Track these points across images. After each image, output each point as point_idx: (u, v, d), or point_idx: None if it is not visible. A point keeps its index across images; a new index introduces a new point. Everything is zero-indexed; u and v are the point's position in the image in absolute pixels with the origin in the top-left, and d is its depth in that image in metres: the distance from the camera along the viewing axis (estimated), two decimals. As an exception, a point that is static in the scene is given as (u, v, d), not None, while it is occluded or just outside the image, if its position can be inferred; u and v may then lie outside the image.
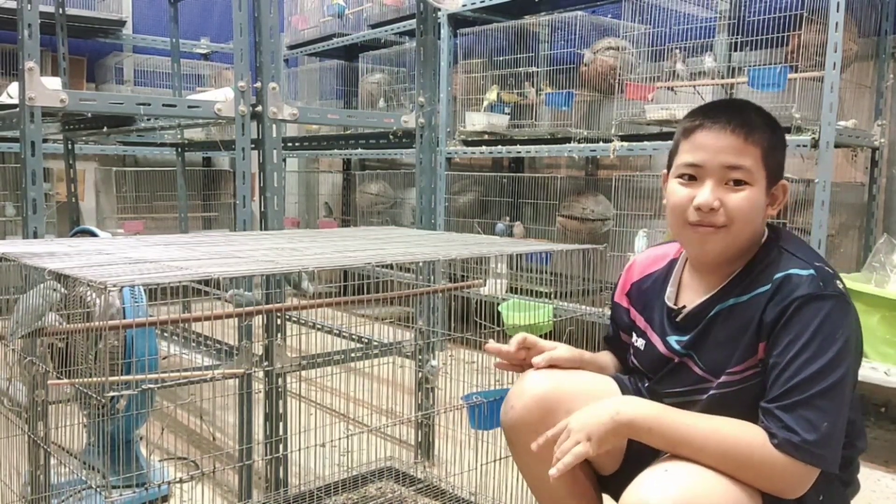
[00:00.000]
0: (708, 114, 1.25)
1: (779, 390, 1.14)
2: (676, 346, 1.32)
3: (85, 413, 1.93)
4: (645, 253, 1.49)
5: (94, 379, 1.63)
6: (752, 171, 1.21)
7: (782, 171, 1.27)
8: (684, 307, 1.32)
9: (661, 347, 1.36)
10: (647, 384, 1.41)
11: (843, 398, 1.14)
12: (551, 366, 1.41)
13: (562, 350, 1.43)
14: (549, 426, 1.27)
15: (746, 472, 1.13)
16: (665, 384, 1.36)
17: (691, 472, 1.13)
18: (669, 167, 1.31)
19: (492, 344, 1.46)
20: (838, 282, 1.19)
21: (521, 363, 1.45)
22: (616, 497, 1.47)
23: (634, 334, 1.44)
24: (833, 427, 1.12)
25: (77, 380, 1.69)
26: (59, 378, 1.71)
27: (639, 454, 1.37)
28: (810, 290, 1.16)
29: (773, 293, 1.18)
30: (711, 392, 1.27)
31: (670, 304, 1.35)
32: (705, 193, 1.21)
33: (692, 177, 1.25)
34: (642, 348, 1.41)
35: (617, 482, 1.41)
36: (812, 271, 1.18)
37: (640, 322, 1.42)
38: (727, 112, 1.23)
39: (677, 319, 1.33)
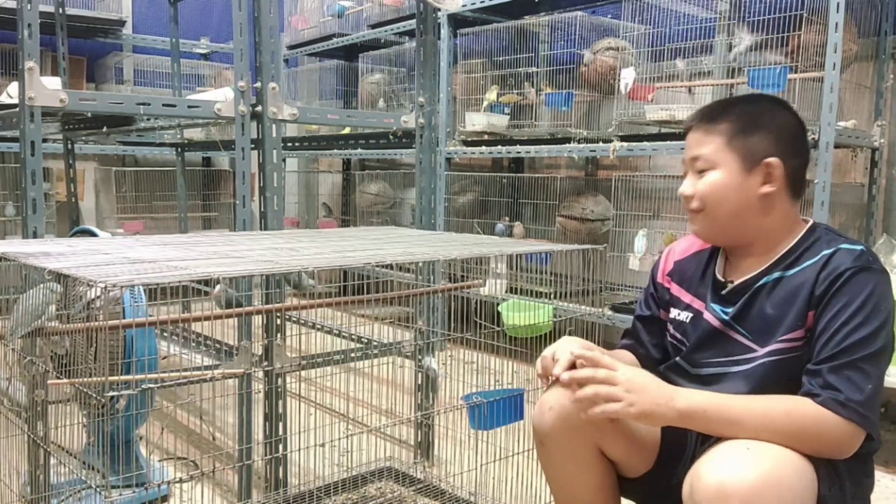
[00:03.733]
0: (693, 115, 1.41)
1: (827, 353, 1.21)
2: (724, 316, 1.37)
3: (84, 413, 1.93)
4: (684, 238, 1.56)
5: (94, 379, 1.63)
6: (711, 157, 1.34)
7: (766, 152, 1.32)
8: (731, 281, 1.38)
9: (706, 315, 1.39)
10: (679, 356, 1.42)
11: (883, 368, 1.22)
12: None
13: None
14: (585, 432, 1.36)
15: (801, 441, 1.17)
16: (705, 353, 1.38)
17: (771, 450, 1.15)
18: None
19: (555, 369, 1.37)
20: (881, 261, 1.28)
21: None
22: (641, 501, 1.48)
23: (676, 309, 1.47)
24: (875, 391, 1.19)
25: (77, 380, 1.69)
26: (58, 378, 1.71)
27: (670, 456, 1.40)
28: (861, 263, 1.24)
29: (825, 264, 1.26)
30: (760, 361, 1.31)
31: (719, 275, 1.41)
32: (683, 185, 1.39)
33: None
34: (686, 320, 1.44)
35: (644, 485, 1.42)
36: (862, 247, 1.27)
37: (685, 297, 1.46)
38: (704, 110, 1.39)
39: (723, 293, 1.39)
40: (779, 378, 1.27)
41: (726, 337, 1.36)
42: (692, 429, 1.27)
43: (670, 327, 1.48)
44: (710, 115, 1.37)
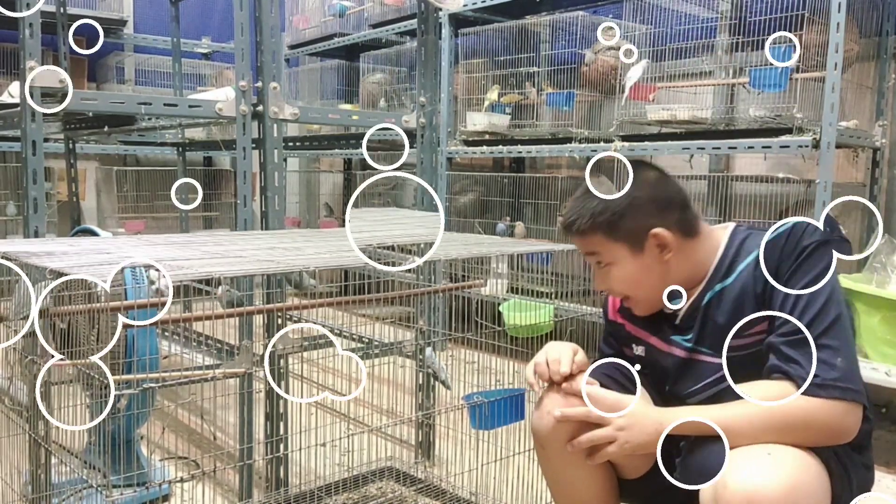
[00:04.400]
0: (564, 226, 1.41)
1: (792, 342, 1.20)
2: (685, 344, 1.37)
3: (87, 393, 1.92)
4: None
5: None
6: (605, 253, 1.35)
7: (646, 227, 1.32)
8: (678, 310, 1.38)
9: (665, 348, 1.40)
10: (667, 392, 1.42)
11: (847, 335, 1.20)
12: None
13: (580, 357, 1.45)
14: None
15: (800, 436, 1.17)
16: (683, 385, 1.38)
17: (791, 454, 1.15)
18: None
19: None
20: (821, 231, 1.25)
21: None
22: (641, 502, 1.48)
23: (634, 345, 1.48)
24: (848, 361, 1.18)
25: (78, 361, 1.68)
26: (61, 360, 1.70)
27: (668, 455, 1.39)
28: (789, 246, 1.23)
29: (757, 263, 1.27)
30: (720, 374, 1.29)
31: (665, 308, 1.39)
32: (596, 282, 1.41)
33: None
34: (644, 355, 1.45)
35: (644, 486, 1.43)
36: (783, 230, 1.25)
37: (641, 333, 1.46)
38: (567, 224, 1.39)
39: (676, 322, 1.38)
40: (745, 372, 1.24)
41: (694, 362, 1.36)
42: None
43: (636, 364, 1.47)
44: (576, 228, 1.37)
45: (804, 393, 1.16)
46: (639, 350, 1.46)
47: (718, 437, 1.17)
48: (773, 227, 1.27)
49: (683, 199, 1.37)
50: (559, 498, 1.49)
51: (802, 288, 1.21)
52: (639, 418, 1.26)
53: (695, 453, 1.22)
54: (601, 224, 1.33)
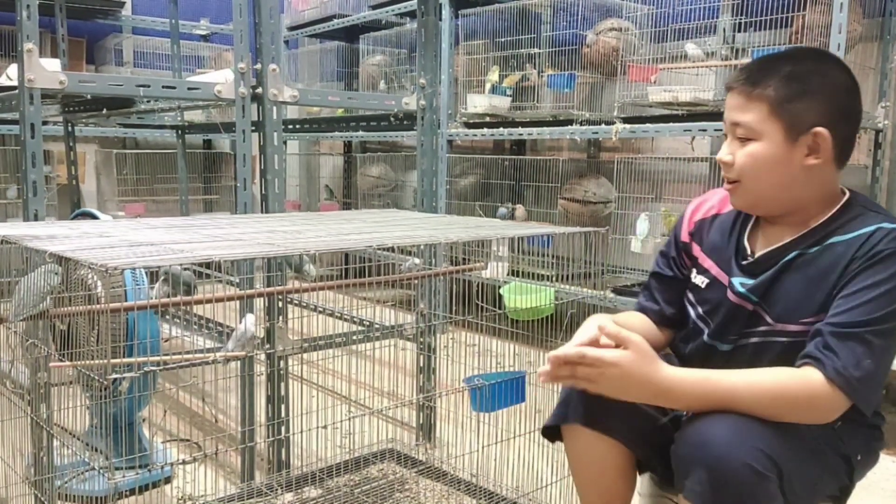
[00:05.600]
0: (733, 75, 1.31)
1: (836, 319, 1.17)
2: (741, 290, 1.31)
3: (87, 395, 1.93)
4: (712, 192, 1.48)
5: (97, 361, 1.64)
6: (754, 127, 1.24)
7: (813, 120, 1.23)
8: (754, 251, 1.33)
9: (727, 287, 1.34)
10: (707, 334, 1.37)
11: (892, 347, 1.18)
12: None
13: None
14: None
15: (800, 411, 1.15)
16: (730, 330, 1.33)
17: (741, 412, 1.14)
18: None
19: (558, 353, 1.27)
20: None
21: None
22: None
23: (695, 271, 1.42)
24: (876, 367, 1.15)
25: (79, 362, 1.70)
26: (61, 360, 1.71)
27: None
28: (887, 246, 1.18)
29: (862, 244, 1.21)
30: (783, 340, 1.27)
31: (745, 243, 1.34)
32: (721, 150, 1.30)
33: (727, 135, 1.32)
34: (703, 286, 1.39)
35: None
36: (869, 228, 1.21)
37: (706, 261, 1.40)
38: (746, 70, 1.28)
39: (745, 263, 1.33)
40: (791, 362, 1.21)
41: (748, 312, 1.30)
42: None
43: (689, 293, 1.42)
44: (752, 77, 1.25)
45: (817, 368, 1.14)
46: (698, 280, 1.40)
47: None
48: (890, 218, 1.23)
49: (859, 123, 1.29)
50: (580, 480, 1.46)
51: (886, 284, 1.16)
52: (632, 375, 1.17)
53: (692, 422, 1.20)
54: (779, 89, 1.22)
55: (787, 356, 1.22)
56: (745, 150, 1.26)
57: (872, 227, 1.21)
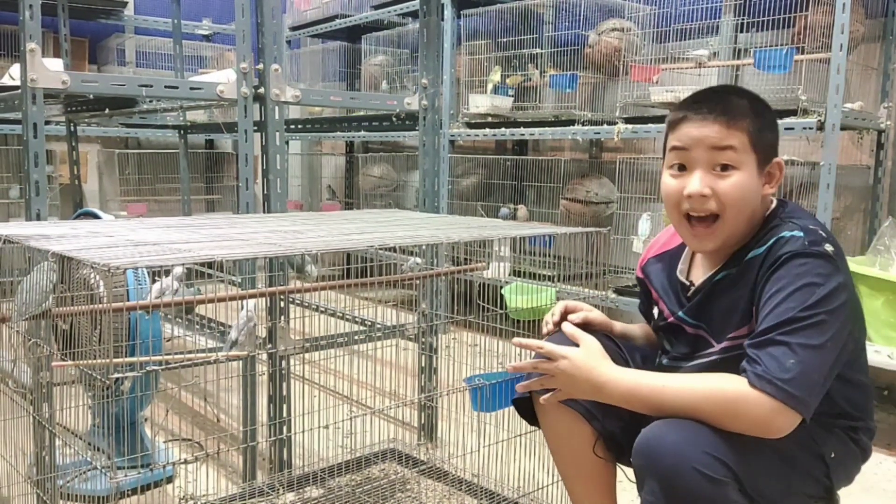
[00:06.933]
0: (691, 105, 1.27)
1: (755, 335, 1.17)
2: (689, 320, 1.35)
3: (89, 394, 1.94)
4: (666, 230, 1.51)
5: (99, 361, 1.64)
6: (738, 155, 1.23)
7: (775, 151, 1.28)
8: (693, 282, 1.36)
9: (672, 320, 1.39)
10: (665, 358, 1.42)
11: (824, 345, 1.14)
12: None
13: (595, 314, 1.50)
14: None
15: (722, 417, 1.14)
16: (685, 355, 1.37)
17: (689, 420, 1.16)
18: (664, 161, 1.34)
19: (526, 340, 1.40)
20: (828, 245, 1.19)
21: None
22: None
23: (654, 306, 1.47)
24: (805, 365, 1.11)
25: (81, 361, 1.70)
26: (63, 360, 1.72)
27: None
28: (795, 248, 1.18)
29: (766, 255, 1.22)
30: (715, 357, 1.30)
31: (682, 279, 1.39)
32: (695, 182, 1.24)
33: (682, 167, 1.27)
34: (656, 317, 1.45)
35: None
36: (800, 232, 1.20)
37: (654, 295, 1.46)
38: (709, 101, 1.26)
39: (688, 295, 1.37)
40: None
41: (696, 337, 1.35)
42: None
43: (654, 322, 1.48)
44: (729, 107, 1.24)
45: (749, 382, 1.13)
46: (655, 311, 1.45)
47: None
48: (795, 224, 1.22)
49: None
50: (560, 462, 1.50)
51: (790, 288, 1.16)
52: (581, 374, 1.27)
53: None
54: (754, 119, 1.23)
55: (728, 372, 1.22)
56: (730, 182, 1.23)
57: (773, 239, 1.22)
